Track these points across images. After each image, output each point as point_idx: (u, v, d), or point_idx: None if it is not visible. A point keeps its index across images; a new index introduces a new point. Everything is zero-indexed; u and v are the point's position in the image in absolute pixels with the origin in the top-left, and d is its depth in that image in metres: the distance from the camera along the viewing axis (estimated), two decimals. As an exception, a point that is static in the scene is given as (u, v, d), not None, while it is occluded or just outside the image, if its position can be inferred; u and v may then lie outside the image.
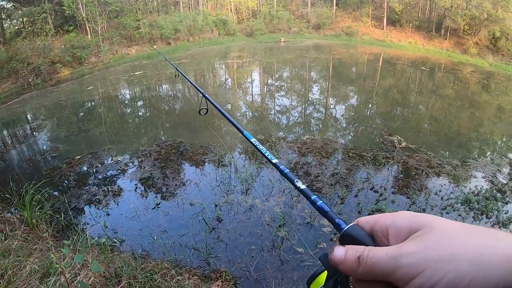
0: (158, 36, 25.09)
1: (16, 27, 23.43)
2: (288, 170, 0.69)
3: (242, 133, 0.98)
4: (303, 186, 0.61)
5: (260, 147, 0.85)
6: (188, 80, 2.12)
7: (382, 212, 4.92)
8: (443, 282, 0.32)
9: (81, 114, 11.59)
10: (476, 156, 7.65)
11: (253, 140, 0.90)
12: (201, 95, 1.67)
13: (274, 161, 0.75)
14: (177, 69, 2.87)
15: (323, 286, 0.50)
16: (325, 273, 0.48)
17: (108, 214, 5.05)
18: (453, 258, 0.33)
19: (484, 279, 0.31)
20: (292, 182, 0.63)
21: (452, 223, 0.37)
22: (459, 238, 0.34)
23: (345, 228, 0.46)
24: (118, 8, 24.22)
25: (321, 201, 0.54)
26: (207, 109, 1.68)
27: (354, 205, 5.18)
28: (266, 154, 0.80)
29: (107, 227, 4.59)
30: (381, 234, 0.42)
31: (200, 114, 1.70)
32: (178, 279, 3.36)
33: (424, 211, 5.06)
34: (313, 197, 0.56)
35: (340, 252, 0.42)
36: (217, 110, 1.29)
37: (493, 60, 25.93)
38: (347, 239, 0.45)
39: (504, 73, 21.55)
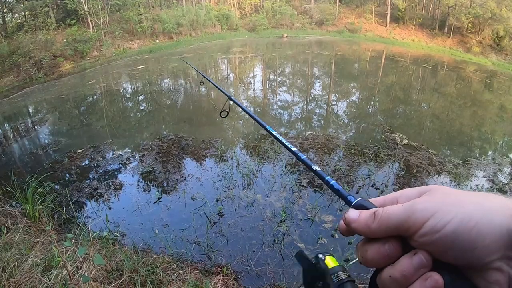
0: (160, 30, 25.03)
1: (18, 21, 23.38)
2: (305, 157, 0.76)
3: (265, 127, 1.03)
4: (318, 169, 0.65)
5: (281, 138, 0.90)
6: (214, 85, 2.13)
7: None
8: (453, 221, 0.35)
9: (83, 108, 11.60)
10: (477, 155, 7.63)
11: (275, 133, 0.95)
12: (227, 98, 1.70)
13: (293, 149, 0.81)
14: (203, 75, 2.88)
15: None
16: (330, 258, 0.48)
17: (110, 208, 5.06)
18: (461, 203, 0.36)
19: (489, 221, 0.34)
20: (310, 167, 0.68)
21: (454, 189, 0.41)
22: (462, 193, 0.38)
23: (356, 200, 0.48)
24: (120, 2, 24.12)
25: (334, 181, 0.58)
26: (227, 112, 1.70)
27: (355, 201, 5.18)
28: (287, 144, 0.86)
29: (108, 221, 4.61)
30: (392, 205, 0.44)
31: (221, 116, 1.73)
32: (179, 273, 3.38)
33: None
34: (327, 177, 0.60)
35: (354, 212, 0.45)
36: (244, 112, 1.35)
37: (496, 59, 25.81)
38: (358, 209, 0.46)
39: (507, 73, 21.45)
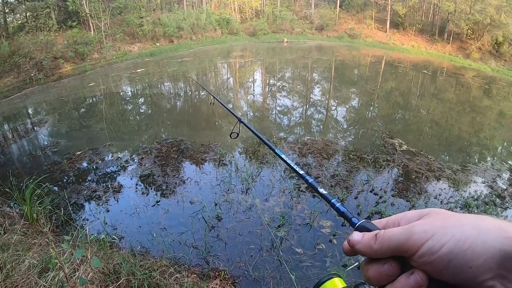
0: (161, 33, 25.10)
1: (19, 22, 23.43)
2: (312, 180, 0.77)
3: (274, 151, 1.06)
4: (325, 192, 0.67)
5: (289, 161, 0.90)
6: (225, 107, 2.18)
7: (382, 214, 4.93)
8: (450, 243, 0.37)
9: (83, 110, 11.60)
10: (476, 160, 7.64)
11: (283, 156, 0.97)
12: (237, 120, 1.74)
13: (301, 172, 0.82)
14: (213, 96, 2.93)
15: None
16: (332, 281, 0.52)
17: (108, 211, 5.05)
18: (458, 225, 0.38)
19: (483, 241, 0.36)
20: (317, 190, 0.69)
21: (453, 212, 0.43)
22: (461, 216, 0.40)
23: (360, 221, 0.50)
24: (122, 5, 24.22)
25: (339, 203, 0.60)
26: (237, 134, 1.75)
27: (354, 207, 5.18)
28: (294, 167, 0.86)
29: (106, 224, 4.59)
30: (393, 227, 0.46)
31: (231, 137, 1.78)
32: (176, 277, 3.36)
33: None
34: (333, 200, 0.62)
35: (358, 234, 0.47)
36: (255, 135, 1.36)
37: (495, 65, 25.89)
38: (361, 231, 0.49)
39: (506, 79, 21.52)
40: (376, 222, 0.50)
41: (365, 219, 0.51)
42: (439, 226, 0.39)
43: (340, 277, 0.51)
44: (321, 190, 0.67)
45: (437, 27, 31.42)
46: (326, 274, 0.51)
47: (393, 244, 0.42)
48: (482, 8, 26.50)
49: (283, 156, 0.96)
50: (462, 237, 0.37)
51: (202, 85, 5.00)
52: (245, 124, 1.62)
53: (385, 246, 0.42)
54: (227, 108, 2.13)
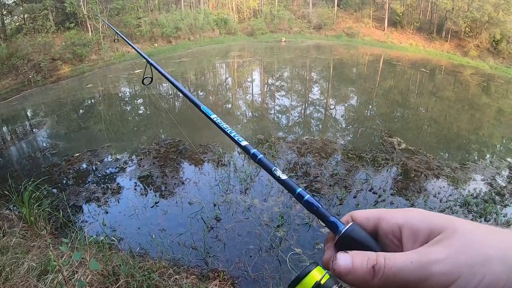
0: (159, 34, 25.06)
1: (17, 24, 23.36)
2: (262, 156, 0.59)
3: (199, 108, 0.84)
4: (284, 177, 0.52)
5: (224, 126, 0.72)
6: (131, 45, 1.89)
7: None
8: (480, 287, 0.30)
9: (81, 111, 11.59)
10: (475, 158, 7.65)
11: (213, 116, 0.76)
12: (146, 61, 1.47)
13: (244, 143, 0.64)
14: (116, 32, 2.69)
15: None
16: (311, 275, 0.41)
17: (107, 212, 5.05)
18: (486, 261, 0.31)
19: None
20: (270, 171, 0.54)
21: (469, 223, 0.35)
22: (485, 240, 0.32)
23: (344, 229, 0.40)
24: (120, 5, 24.16)
25: (309, 195, 0.47)
26: (151, 78, 1.49)
27: (353, 206, 5.18)
28: (232, 135, 0.68)
29: (105, 225, 4.59)
30: (392, 235, 0.39)
31: (144, 84, 1.52)
32: (176, 278, 3.36)
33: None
34: (299, 190, 0.49)
35: (345, 260, 0.37)
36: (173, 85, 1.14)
37: (493, 63, 25.89)
38: (346, 242, 0.39)
39: (504, 76, 21.54)
40: (361, 217, 0.41)
41: (351, 223, 0.41)
42: (464, 263, 0.31)
43: (319, 264, 0.42)
44: (278, 174, 0.53)
45: (435, 25, 31.42)
46: (304, 266, 0.43)
47: (400, 284, 0.33)
48: (480, 5, 26.50)
49: (213, 116, 0.76)
50: (494, 278, 0.30)
51: (109, 24, 4.80)
52: (155, 67, 1.41)
53: (389, 284, 0.34)
54: (132, 46, 1.87)
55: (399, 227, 0.38)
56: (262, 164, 0.57)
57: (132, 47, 1.84)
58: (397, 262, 0.34)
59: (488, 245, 0.32)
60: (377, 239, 0.40)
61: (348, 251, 0.38)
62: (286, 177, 0.52)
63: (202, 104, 0.84)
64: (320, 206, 0.45)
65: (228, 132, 0.69)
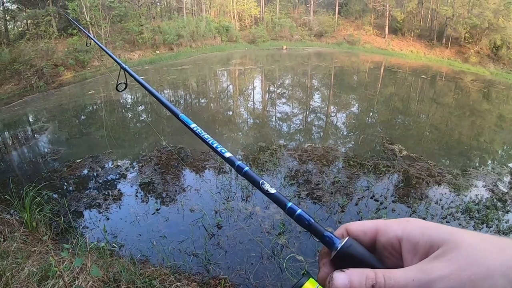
0: (161, 41, 25.21)
1: (20, 29, 23.58)
2: (248, 168, 0.55)
3: (177, 116, 0.79)
4: (272, 190, 0.49)
5: (206, 136, 0.66)
6: (104, 50, 1.83)
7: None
8: None
9: (83, 117, 11.62)
10: (477, 165, 7.64)
11: (193, 126, 0.72)
12: (120, 67, 1.43)
13: (227, 155, 0.59)
14: (90, 36, 2.56)
15: None
16: (311, 282, 0.40)
17: (108, 219, 5.04)
18: (489, 276, 0.30)
19: None
20: (257, 185, 0.51)
21: (470, 234, 0.34)
22: (487, 254, 0.32)
23: (340, 246, 0.38)
24: (122, 12, 24.35)
25: (300, 210, 0.45)
26: (126, 84, 1.43)
27: (355, 213, 5.17)
28: (214, 145, 0.63)
29: (106, 232, 4.58)
30: (391, 248, 0.38)
31: (118, 90, 1.45)
32: (177, 285, 3.35)
33: (424, 220, 5.04)
34: (289, 204, 0.46)
35: (342, 280, 0.35)
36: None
37: (494, 69, 25.96)
38: (342, 258, 0.38)
39: (505, 82, 21.59)
40: (358, 229, 0.40)
41: (347, 237, 0.39)
42: (466, 279, 0.30)
43: (312, 276, 0.40)
44: (266, 188, 0.50)
45: (435, 32, 31.59)
46: (295, 281, 0.40)
47: None
48: (480, 12, 26.64)
49: (192, 126, 0.72)
50: None
51: (74, 21, 4.74)
52: (129, 73, 1.37)
53: None
54: (106, 51, 1.80)
55: (398, 240, 0.37)
56: (249, 177, 0.53)
57: (106, 52, 1.79)
58: (398, 281, 0.33)
59: (491, 259, 0.31)
60: (374, 252, 0.39)
61: (345, 270, 0.36)
62: (275, 191, 0.49)
63: (180, 112, 0.79)
64: (313, 221, 0.43)
65: (209, 142, 0.64)
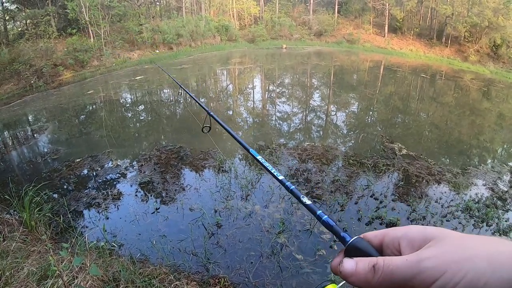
0: (160, 41, 25.20)
1: (20, 29, 23.54)
2: (294, 187, 0.69)
3: (248, 151, 0.99)
4: (308, 202, 0.62)
5: (266, 164, 0.83)
6: (194, 98, 2.14)
7: (383, 219, 4.91)
8: (464, 281, 0.33)
9: (82, 117, 11.61)
10: (476, 163, 7.63)
11: (259, 157, 0.89)
12: (206, 113, 1.68)
13: (280, 177, 0.75)
14: (181, 86, 2.89)
15: None
16: (333, 286, 0.48)
17: (107, 218, 5.04)
18: (471, 258, 0.34)
19: (499, 277, 0.33)
20: (298, 198, 0.65)
21: (461, 234, 0.39)
22: (472, 243, 0.36)
23: (351, 241, 0.46)
24: (121, 12, 24.33)
25: (326, 216, 0.56)
26: (210, 127, 1.68)
27: (354, 212, 5.16)
28: (272, 171, 0.79)
29: (106, 231, 4.58)
30: (392, 247, 0.43)
31: (203, 132, 1.70)
32: (176, 285, 3.34)
33: (424, 218, 5.05)
34: (319, 212, 0.58)
35: (350, 263, 0.43)
36: (223, 127, 1.29)
37: (493, 68, 25.98)
38: (352, 252, 0.45)
39: (504, 81, 21.59)
40: (370, 234, 0.46)
41: (357, 236, 0.47)
42: (450, 260, 0.35)
43: (335, 283, 0.50)
44: (305, 200, 0.63)
45: (435, 30, 31.61)
46: (320, 282, 0.49)
47: (396, 281, 0.37)
48: (480, 11, 26.65)
49: (258, 157, 0.88)
50: (477, 274, 0.33)
51: (169, 74, 4.98)
52: (214, 118, 1.55)
53: (387, 281, 0.38)
54: (196, 100, 2.06)
55: (398, 240, 0.43)
56: (293, 193, 0.68)
57: (194, 99, 2.14)
58: (394, 261, 0.39)
59: (474, 247, 0.36)
60: (382, 252, 0.45)
61: (353, 258, 0.44)
62: (310, 202, 0.62)
63: (250, 148, 0.99)
64: (335, 224, 0.53)
65: (269, 169, 0.80)
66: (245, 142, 1.05)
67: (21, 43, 19.45)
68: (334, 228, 0.53)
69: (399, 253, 0.42)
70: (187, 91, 2.55)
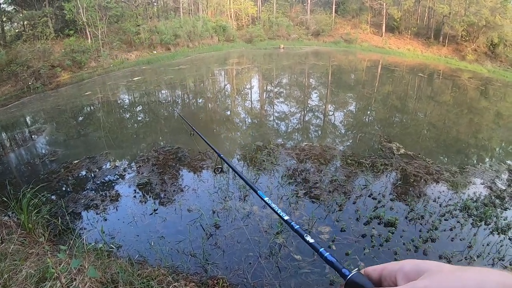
0: (158, 41, 25.16)
1: (17, 30, 23.46)
2: (298, 226, 0.78)
3: (256, 192, 1.10)
4: (312, 240, 0.69)
5: (273, 205, 0.93)
6: (205, 141, 2.22)
7: (381, 219, 4.92)
8: None
9: (80, 118, 11.59)
10: (474, 162, 7.66)
11: (266, 199, 0.99)
12: (217, 155, 1.79)
13: (286, 218, 0.85)
14: (194, 129, 2.99)
15: None
16: None
17: (105, 219, 5.03)
18: (462, 285, 0.36)
19: None
20: (302, 237, 0.72)
21: (453, 266, 0.41)
22: (463, 274, 0.38)
23: (349, 276, 0.50)
24: (119, 13, 24.28)
25: (328, 253, 0.62)
26: (221, 169, 1.83)
27: (353, 212, 5.17)
28: (278, 212, 0.90)
29: (104, 232, 4.57)
30: (389, 279, 0.46)
31: (215, 173, 1.97)
32: (175, 286, 3.34)
33: (422, 218, 5.06)
34: (321, 249, 0.64)
35: None
36: (233, 170, 1.43)
37: (491, 67, 26.05)
38: (352, 286, 0.49)
39: (502, 79, 21.66)
40: (370, 269, 0.50)
41: (356, 269, 0.51)
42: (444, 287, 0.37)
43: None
44: (308, 238, 0.69)
45: (432, 30, 31.64)
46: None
47: None
48: (477, 10, 26.69)
49: (266, 199, 0.97)
50: None
51: (184, 118, 5.02)
52: (225, 161, 1.66)
53: None
54: (207, 142, 2.16)
55: (395, 273, 0.45)
56: (298, 232, 0.76)
57: (206, 142, 2.23)
58: None
59: (465, 277, 0.37)
60: (381, 285, 0.48)
61: None
62: (313, 241, 0.69)
63: (258, 189, 1.10)
64: (336, 261, 0.59)
65: (275, 210, 0.91)
66: (253, 184, 1.16)
67: (19, 44, 19.40)
68: (335, 264, 0.58)
69: (395, 286, 0.45)
70: (199, 133, 2.77)
